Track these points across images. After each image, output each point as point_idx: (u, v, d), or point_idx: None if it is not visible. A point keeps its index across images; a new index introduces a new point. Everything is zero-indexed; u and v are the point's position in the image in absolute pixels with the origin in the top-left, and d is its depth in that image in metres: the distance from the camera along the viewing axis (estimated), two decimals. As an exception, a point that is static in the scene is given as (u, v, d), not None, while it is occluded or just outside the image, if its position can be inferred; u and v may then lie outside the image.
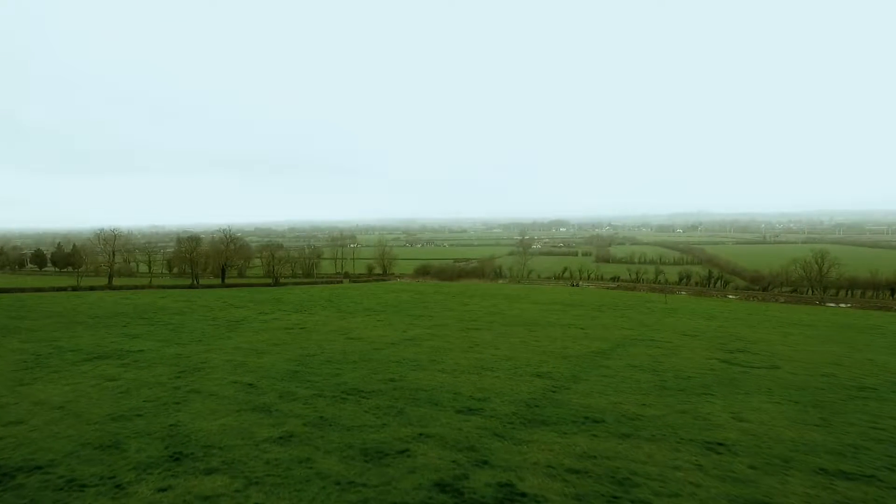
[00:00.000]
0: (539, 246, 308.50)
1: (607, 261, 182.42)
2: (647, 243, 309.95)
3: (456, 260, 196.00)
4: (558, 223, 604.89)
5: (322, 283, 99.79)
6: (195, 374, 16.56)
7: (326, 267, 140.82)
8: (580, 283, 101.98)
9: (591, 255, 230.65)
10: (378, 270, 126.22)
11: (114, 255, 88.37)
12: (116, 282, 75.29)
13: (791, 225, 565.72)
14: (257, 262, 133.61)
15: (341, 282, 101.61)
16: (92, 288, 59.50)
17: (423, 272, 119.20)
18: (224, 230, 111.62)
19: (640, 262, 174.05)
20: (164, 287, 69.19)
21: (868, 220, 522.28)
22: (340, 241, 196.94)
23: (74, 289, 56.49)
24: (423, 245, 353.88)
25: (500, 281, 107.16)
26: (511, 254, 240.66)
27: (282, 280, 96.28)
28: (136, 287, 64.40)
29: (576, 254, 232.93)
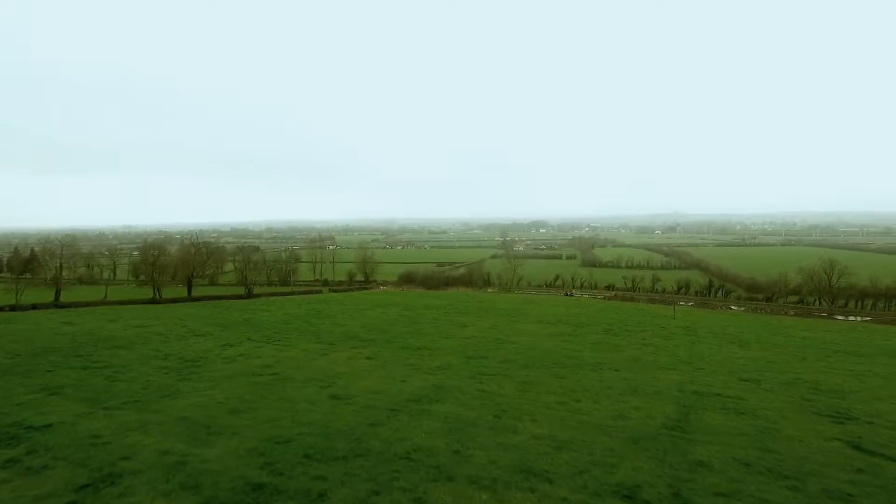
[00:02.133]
0: (522, 248, 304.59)
1: (594, 264, 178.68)
2: (629, 245, 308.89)
3: (439, 264, 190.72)
4: (538, 224, 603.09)
5: (300, 292, 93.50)
6: (104, 489, 10.96)
7: (304, 273, 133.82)
8: (573, 291, 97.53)
9: (575, 257, 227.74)
10: (360, 277, 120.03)
11: (62, 268, 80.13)
12: (71, 295, 67.63)
13: (766, 226, 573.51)
14: (231, 265, 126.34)
15: (320, 291, 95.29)
16: (35, 306, 52.36)
17: (408, 279, 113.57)
18: (194, 233, 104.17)
19: (627, 267, 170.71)
20: (120, 303, 62.26)
21: (839, 221, 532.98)
22: (319, 243, 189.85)
23: (13, 308, 49.39)
24: (402, 247, 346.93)
25: (490, 290, 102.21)
26: (494, 256, 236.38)
27: (256, 290, 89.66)
28: (87, 304, 57.34)
29: (560, 256, 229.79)
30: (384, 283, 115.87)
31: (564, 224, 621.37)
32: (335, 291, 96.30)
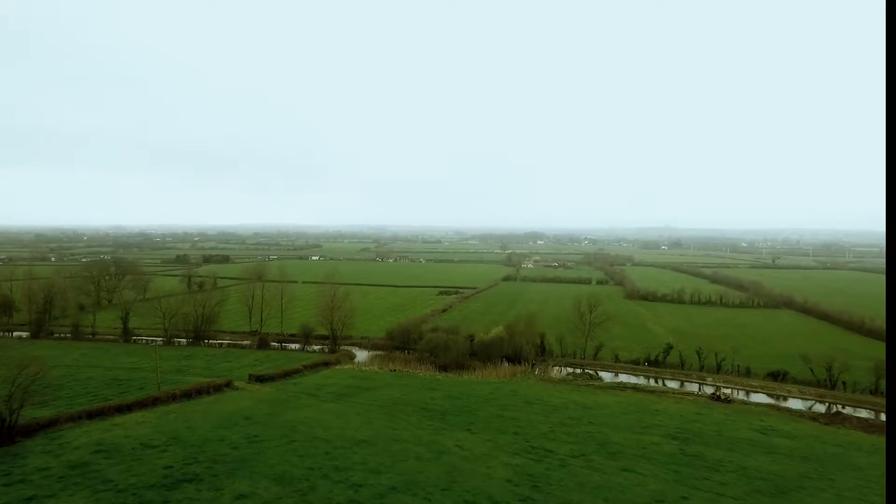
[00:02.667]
0: (531, 265, 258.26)
1: (645, 297, 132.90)
2: (652, 265, 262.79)
3: (442, 290, 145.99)
4: (534, 235, 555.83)
5: (194, 385, 47.97)
6: None
7: (236, 317, 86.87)
8: (722, 390, 51.97)
9: (607, 282, 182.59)
10: (322, 331, 72.88)
11: None
12: None
13: (767, 242, 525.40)
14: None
15: (228, 385, 48.27)
16: None
17: (402, 341, 67.72)
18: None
19: (693, 303, 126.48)
20: None
21: (835, 241, 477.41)
22: (303, 251, 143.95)
23: None
24: (395, 259, 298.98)
25: (554, 374, 57.45)
26: (507, 278, 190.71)
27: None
28: None
29: (588, 281, 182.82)
30: (361, 345, 70.57)
31: (561, 235, 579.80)
32: (261, 381, 50.23)
